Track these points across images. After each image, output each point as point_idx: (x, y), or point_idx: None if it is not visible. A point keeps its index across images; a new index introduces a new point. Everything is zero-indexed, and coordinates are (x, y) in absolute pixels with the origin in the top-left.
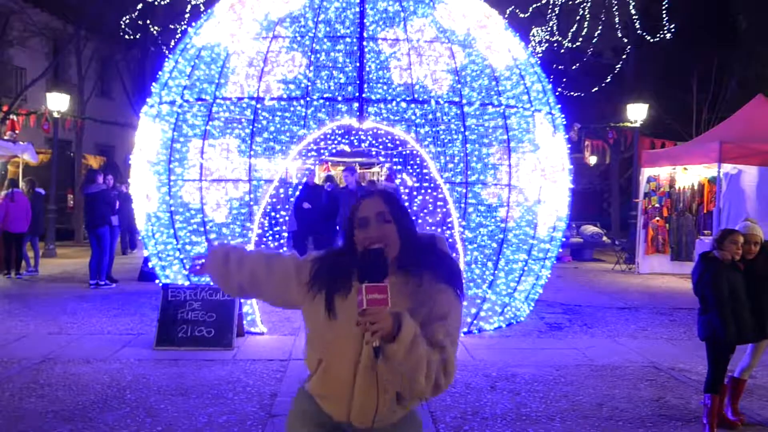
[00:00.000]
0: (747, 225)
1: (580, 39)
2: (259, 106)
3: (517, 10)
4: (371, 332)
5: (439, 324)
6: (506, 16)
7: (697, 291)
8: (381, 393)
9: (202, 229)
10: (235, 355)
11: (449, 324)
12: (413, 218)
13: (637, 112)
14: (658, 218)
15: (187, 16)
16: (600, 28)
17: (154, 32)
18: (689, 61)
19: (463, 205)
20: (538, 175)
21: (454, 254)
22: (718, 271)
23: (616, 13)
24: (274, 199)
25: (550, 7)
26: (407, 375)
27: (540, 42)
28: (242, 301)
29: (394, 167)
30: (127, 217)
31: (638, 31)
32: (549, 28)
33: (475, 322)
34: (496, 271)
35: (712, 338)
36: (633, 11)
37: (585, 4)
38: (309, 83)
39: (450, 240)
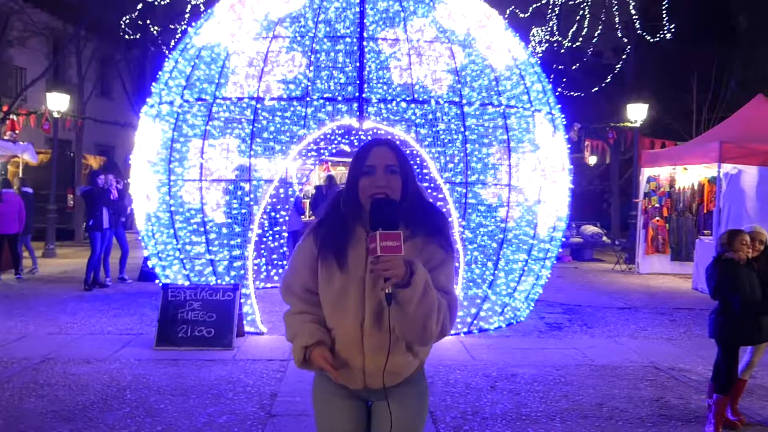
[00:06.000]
0: (752, 225)
1: (580, 39)
2: (259, 106)
3: (517, 10)
4: (384, 279)
5: (439, 270)
6: (506, 16)
7: (716, 294)
8: (393, 342)
9: (202, 229)
10: (235, 355)
11: (448, 271)
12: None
13: (637, 112)
14: (658, 218)
15: (187, 16)
16: (600, 28)
17: (154, 32)
18: (689, 61)
19: (463, 205)
20: (538, 175)
21: (454, 253)
22: (738, 271)
23: (616, 13)
24: (274, 199)
25: (550, 7)
26: (420, 321)
27: (540, 42)
28: (242, 301)
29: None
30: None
31: (638, 31)
32: (549, 28)
33: (475, 322)
34: (496, 271)
35: (729, 339)
36: (633, 11)
37: (585, 4)
38: (309, 83)
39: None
